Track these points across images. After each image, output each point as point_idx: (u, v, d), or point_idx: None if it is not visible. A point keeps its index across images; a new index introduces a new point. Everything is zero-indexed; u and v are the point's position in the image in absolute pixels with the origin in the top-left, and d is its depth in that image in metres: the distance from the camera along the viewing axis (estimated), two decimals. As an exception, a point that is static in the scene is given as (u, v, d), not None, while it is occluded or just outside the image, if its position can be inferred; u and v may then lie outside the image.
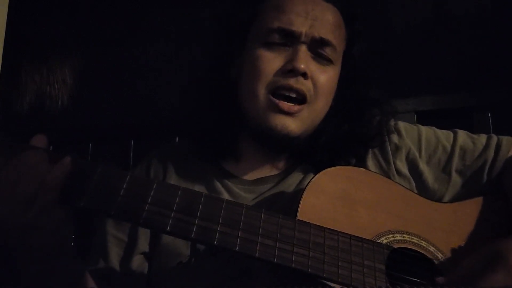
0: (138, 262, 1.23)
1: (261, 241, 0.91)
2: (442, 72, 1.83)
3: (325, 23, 1.24)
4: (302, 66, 1.19)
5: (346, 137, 1.27)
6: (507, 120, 1.69)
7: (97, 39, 2.20)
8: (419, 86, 1.83)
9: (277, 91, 1.20)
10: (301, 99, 1.21)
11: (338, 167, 1.16)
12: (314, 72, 1.22)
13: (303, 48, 1.21)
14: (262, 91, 1.21)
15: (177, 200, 0.90)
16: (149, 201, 0.89)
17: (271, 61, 1.21)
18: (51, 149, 1.97)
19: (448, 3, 1.86)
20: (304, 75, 1.19)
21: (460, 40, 1.83)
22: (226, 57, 1.30)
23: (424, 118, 1.75)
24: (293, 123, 1.20)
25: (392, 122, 1.33)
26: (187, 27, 2.11)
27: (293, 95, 1.20)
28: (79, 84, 2.19)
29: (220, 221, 0.91)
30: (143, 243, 1.23)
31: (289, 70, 1.19)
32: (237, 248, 0.90)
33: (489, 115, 1.71)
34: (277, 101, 1.19)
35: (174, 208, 0.89)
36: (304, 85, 1.20)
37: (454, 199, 1.24)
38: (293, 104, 1.20)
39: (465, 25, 1.84)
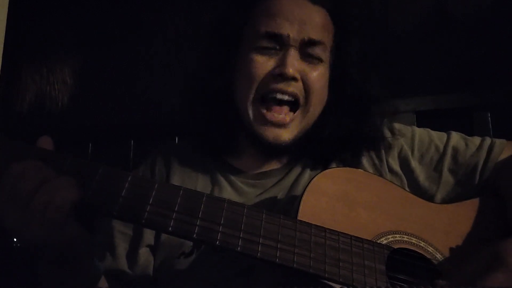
0: (144, 256, 1.23)
1: (262, 242, 0.91)
2: (442, 72, 1.84)
3: (313, 24, 1.26)
4: (291, 70, 1.21)
5: (347, 134, 1.29)
6: (507, 120, 1.69)
7: (97, 39, 2.20)
8: (419, 86, 1.84)
9: (269, 94, 1.23)
10: (293, 102, 1.24)
11: (337, 168, 1.18)
12: (304, 73, 1.24)
13: (291, 51, 1.23)
14: (252, 95, 1.23)
15: (178, 201, 0.90)
16: (150, 201, 0.89)
17: (262, 65, 1.24)
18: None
19: (448, 3, 1.86)
20: (294, 79, 1.22)
21: (460, 40, 1.83)
22: (220, 61, 1.33)
23: (424, 118, 1.75)
24: (286, 133, 1.23)
25: (386, 122, 1.36)
26: (187, 28, 2.12)
27: (286, 98, 1.22)
28: (79, 84, 2.19)
29: (221, 222, 0.91)
30: (149, 236, 1.24)
31: (279, 75, 1.21)
32: (238, 249, 0.90)
33: (489, 115, 1.71)
34: (266, 112, 1.22)
35: (176, 209, 0.89)
36: (295, 87, 1.22)
37: (447, 199, 1.25)
38: (284, 116, 1.22)
39: (465, 25, 1.84)
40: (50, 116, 2.17)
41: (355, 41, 1.35)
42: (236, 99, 1.29)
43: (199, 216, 0.90)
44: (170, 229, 0.88)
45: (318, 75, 1.26)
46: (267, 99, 1.23)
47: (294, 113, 1.24)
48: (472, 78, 1.80)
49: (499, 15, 1.80)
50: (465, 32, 1.83)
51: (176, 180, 1.29)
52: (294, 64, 1.22)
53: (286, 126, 1.23)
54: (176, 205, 0.90)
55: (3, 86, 2.20)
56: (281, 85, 1.21)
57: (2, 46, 2.19)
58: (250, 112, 1.24)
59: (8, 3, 2.22)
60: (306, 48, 1.25)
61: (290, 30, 1.23)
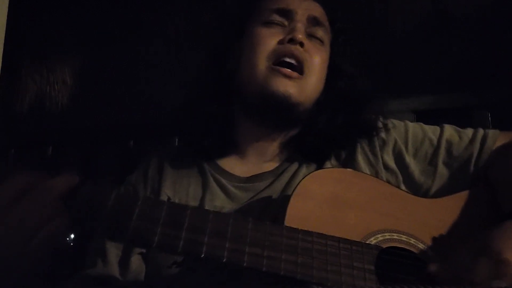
0: (136, 263, 1.23)
1: (249, 251, 0.90)
2: (442, 72, 1.82)
3: (317, 10, 1.37)
4: (300, 36, 1.27)
5: (340, 128, 1.31)
6: (507, 119, 1.68)
7: (97, 39, 2.20)
8: (419, 86, 1.83)
9: (278, 58, 1.26)
10: (299, 68, 1.27)
11: (325, 169, 1.17)
12: (309, 48, 1.30)
13: (299, 24, 1.31)
14: (262, 61, 1.27)
15: (163, 215, 0.89)
16: (134, 217, 0.87)
17: (271, 36, 1.30)
18: (51, 149, 2.01)
19: (448, 3, 1.85)
20: (302, 44, 1.27)
21: (460, 40, 1.82)
22: (225, 51, 1.37)
23: (424, 118, 1.73)
24: (294, 87, 1.25)
25: (380, 119, 1.36)
26: (187, 28, 2.11)
27: (293, 62, 1.26)
28: (79, 84, 2.20)
29: (207, 233, 0.90)
30: None
31: (289, 40, 1.27)
32: (224, 260, 0.88)
33: (489, 114, 1.70)
34: (277, 67, 1.25)
35: (161, 223, 0.88)
36: (302, 53, 1.27)
37: (442, 191, 1.24)
38: (293, 71, 1.26)
39: (465, 24, 1.82)
40: (50, 116, 2.18)
41: (347, 40, 1.44)
42: (240, 77, 1.33)
43: (184, 228, 0.89)
44: (154, 244, 0.86)
45: (320, 52, 1.33)
46: (275, 64, 1.26)
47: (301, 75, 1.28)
48: (472, 78, 1.79)
49: (499, 15, 1.78)
50: (465, 32, 1.82)
51: (167, 186, 1.29)
52: (302, 32, 1.30)
53: (295, 81, 1.25)
54: (160, 219, 0.88)
55: (3, 86, 2.22)
56: (291, 48, 1.26)
57: (2, 46, 2.21)
58: (260, 74, 1.26)
59: (8, 3, 2.23)
60: (310, 27, 1.33)
61: (297, 8, 1.33)
